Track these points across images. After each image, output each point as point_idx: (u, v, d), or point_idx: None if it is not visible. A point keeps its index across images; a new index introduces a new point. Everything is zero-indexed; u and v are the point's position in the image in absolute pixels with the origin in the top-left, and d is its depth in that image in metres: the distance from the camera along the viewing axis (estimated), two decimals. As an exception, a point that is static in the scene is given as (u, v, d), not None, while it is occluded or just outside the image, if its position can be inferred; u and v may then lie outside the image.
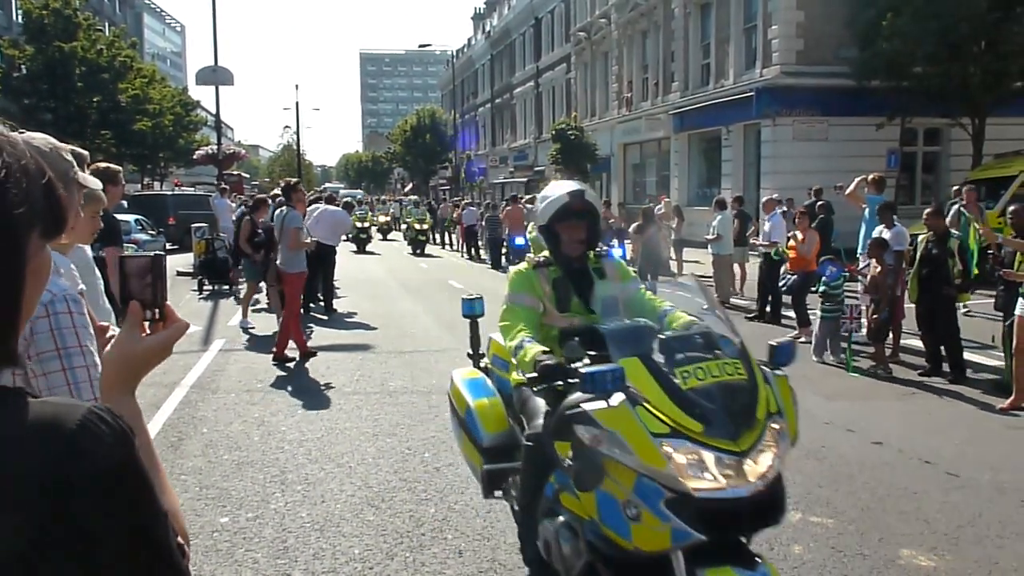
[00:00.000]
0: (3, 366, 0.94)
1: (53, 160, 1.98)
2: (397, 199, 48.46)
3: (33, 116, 30.36)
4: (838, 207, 14.31)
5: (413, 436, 6.21)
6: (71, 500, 0.85)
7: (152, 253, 1.33)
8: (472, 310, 4.39)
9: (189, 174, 51.18)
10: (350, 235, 24.60)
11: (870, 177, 11.18)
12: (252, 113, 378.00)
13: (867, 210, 10.82)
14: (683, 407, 2.61)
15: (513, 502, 3.84)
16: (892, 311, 8.70)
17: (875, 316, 8.57)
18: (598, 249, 3.68)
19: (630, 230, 14.70)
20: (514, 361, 3.34)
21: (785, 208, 14.37)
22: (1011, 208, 7.75)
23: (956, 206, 10.76)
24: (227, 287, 15.14)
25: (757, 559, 2.63)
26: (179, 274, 17.07)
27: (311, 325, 11.37)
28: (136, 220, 20.49)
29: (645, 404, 2.64)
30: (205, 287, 15.50)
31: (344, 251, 19.26)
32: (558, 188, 3.61)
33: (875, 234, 9.22)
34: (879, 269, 8.59)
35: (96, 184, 2.53)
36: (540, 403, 3.28)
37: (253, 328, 11.02)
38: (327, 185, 65.15)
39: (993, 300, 9.36)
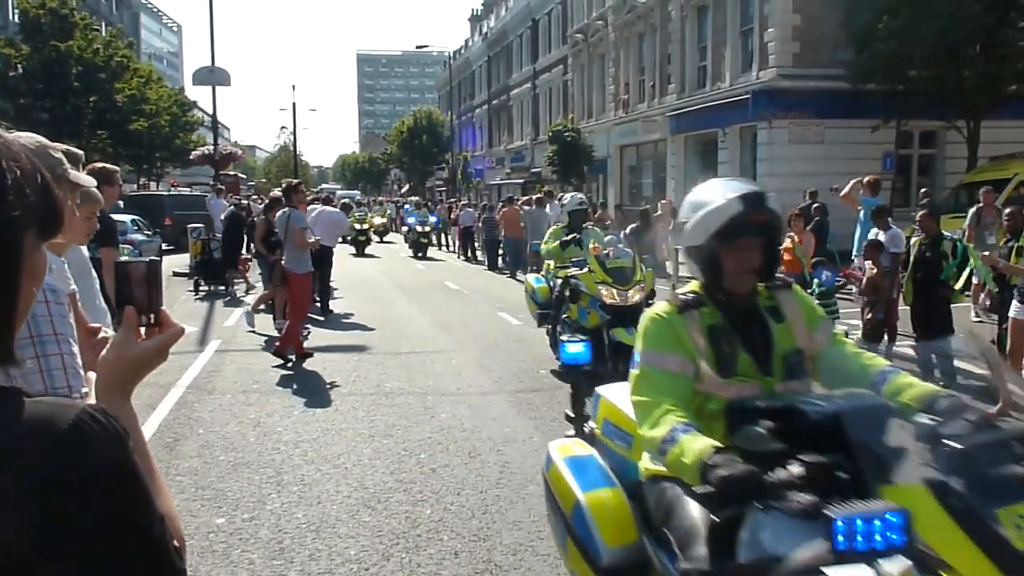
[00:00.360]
0: (1, 364, 0.94)
1: (42, 158, 1.98)
2: (394, 200, 48.39)
3: (29, 116, 30.30)
4: (833, 209, 14.35)
5: (409, 437, 6.21)
6: (67, 499, 0.85)
7: (148, 259, 1.33)
8: (576, 360, 3.21)
9: (185, 174, 51.04)
10: (348, 237, 24.39)
11: (865, 180, 11.24)
12: (249, 114, 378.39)
13: (862, 212, 10.85)
14: None
15: None
16: (887, 313, 8.72)
17: (870, 317, 8.59)
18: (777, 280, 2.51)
19: (627, 232, 14.70)
20: (655, 456, 2.25)
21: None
22: (1007, 210, 7.77)
23: (974, 209, 10.79)
24: (223, 287, 15.12)
25: None
26: (175, 275, 17.04)
27: (308, 326, 11.34)
28: (132, 220, 20.41)
29: None
30: (201, 288, 15.46)
31: (342, 254, 19.22)
32: (717, 190, 2.39)
33: (870, 237, 9.25)
34: (875, 271, 8.61)
35: (90, 183, 2.54)
36: (694, 514, 2.22)
37: (252, 330, 11.00)
38: (324, 186, 65.25)
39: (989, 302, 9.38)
